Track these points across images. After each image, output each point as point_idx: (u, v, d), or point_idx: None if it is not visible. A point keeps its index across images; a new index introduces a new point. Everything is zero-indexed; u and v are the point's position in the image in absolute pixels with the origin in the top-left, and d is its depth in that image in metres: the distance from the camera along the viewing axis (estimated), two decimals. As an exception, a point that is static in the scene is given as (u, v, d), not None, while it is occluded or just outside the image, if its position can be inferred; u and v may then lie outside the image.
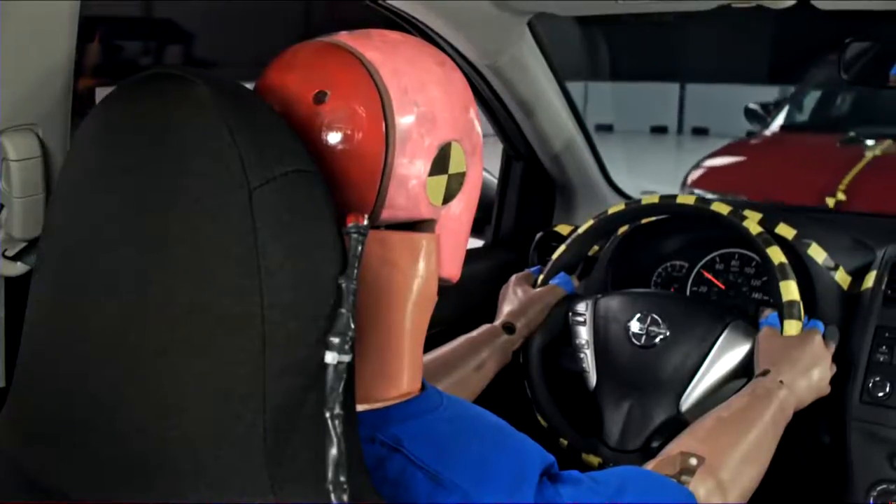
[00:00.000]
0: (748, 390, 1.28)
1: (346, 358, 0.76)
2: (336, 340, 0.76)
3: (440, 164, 0.92)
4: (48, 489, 0.75)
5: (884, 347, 1.40)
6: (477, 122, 0.99)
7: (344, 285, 0.77)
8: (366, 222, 0.80)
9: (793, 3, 1.23)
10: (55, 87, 0.94)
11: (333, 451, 0.75)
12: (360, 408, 0.88)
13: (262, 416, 0.72)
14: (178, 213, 0.74)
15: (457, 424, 0.93)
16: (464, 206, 0.98)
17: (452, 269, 1.00)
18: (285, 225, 0.76)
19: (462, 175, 0.95)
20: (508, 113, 1.81)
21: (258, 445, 0.72)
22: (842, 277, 1.47)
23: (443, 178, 0.93)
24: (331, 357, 0.75)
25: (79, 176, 0.80)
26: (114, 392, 0.73)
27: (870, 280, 1.46)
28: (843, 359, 1.40)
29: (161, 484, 0.71)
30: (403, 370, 0.93)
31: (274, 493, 0.72)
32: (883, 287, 1.44)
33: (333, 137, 0.87)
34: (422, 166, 0.90)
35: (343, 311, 0.77)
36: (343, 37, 0.92)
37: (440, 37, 1.48)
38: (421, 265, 0.92)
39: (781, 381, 1.28)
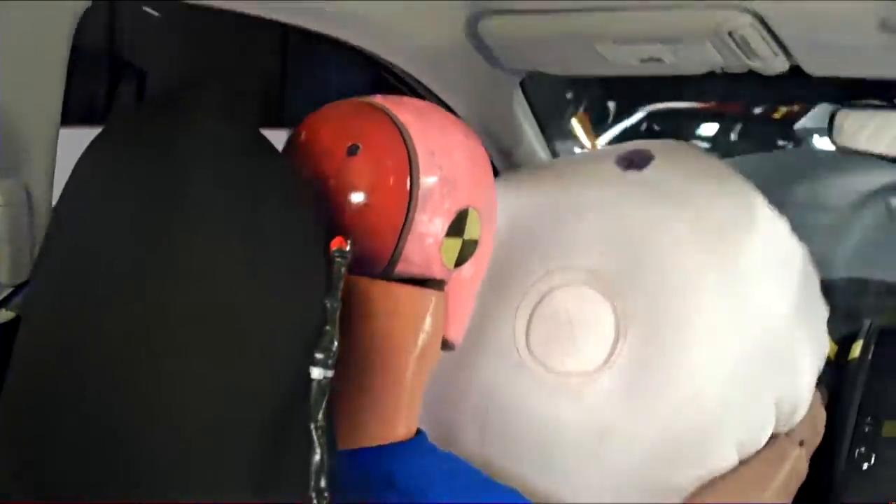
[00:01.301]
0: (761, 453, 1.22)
1: (330, 373, 0.80)
2: (321, 356, 0.80)
3: (456, 227, 0.98)
4: (41, 489, 0.75)
5: (869, 418, 1.40)
6: (494, 194, 1.06)
7: (329, 305, 0.81)
8: (348, 248, 0.84)
9: (785, 69, 1.23)
10: (43, 134, 0.94)
11: (316, 459, 0.78)
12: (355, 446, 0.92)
13: (249, 426, 0.75)
14: (179, 227, 0.76)
15: (448, 465, 0.96)
16: (473, 273, 1.04)
17: (457, 333, 1.05)
18: (278, 247, 0.80)
19: (475, 242, 1.02)
20: None
21: (245, 454, 0.75)
22: (829, 346, 1.47)
23: (457, 242, 0.99)
24: (317, 373, 0.79)
25: (84, 188, 0.82)
26: (107, 398, 0.74)
27: (856, 350, 1.45)
28: (828, 429, 1.39)
29: (148, 487, 0.73)
30: (400, 416, 0.96)
31: (257, 500, 0.75)
32: (870, 357, 1.44)
33: (361, 188, 0.93)
34: (439, 226, 0.97)
35: (328, 328, 0.81)
36: (378, 98, 0.99)
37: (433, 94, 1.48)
38: (428, 321, 0.96)
39: (802, 442, 1.25)
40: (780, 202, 1.21)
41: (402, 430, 0.96)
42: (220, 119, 0.83)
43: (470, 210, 0.99)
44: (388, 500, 0.89)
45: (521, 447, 1.17)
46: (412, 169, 0.94)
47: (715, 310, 1.13)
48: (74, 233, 0.81)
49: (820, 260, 1.27)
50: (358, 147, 0.94)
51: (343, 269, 0.84)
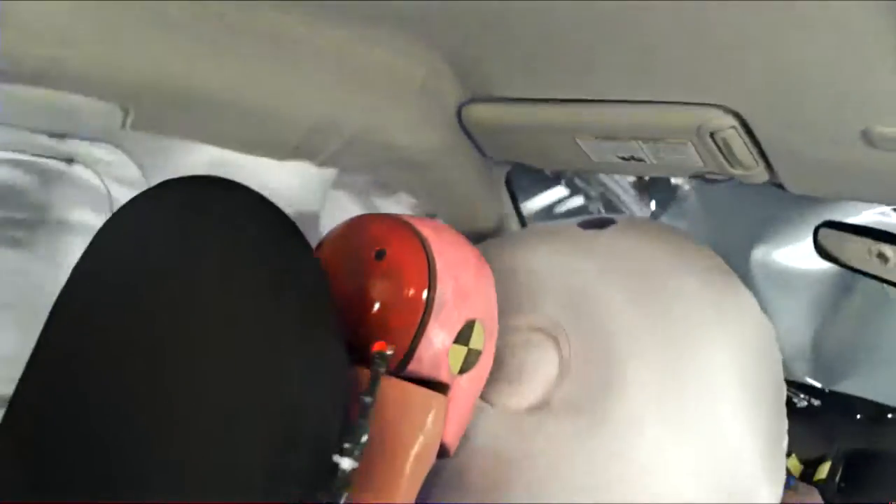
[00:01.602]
0: None
1: (356, 464, 0.86)
2: (349, 447, 0.86)
3: (464, 336, 1.08)
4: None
5: None
6: (496, 309, 1.15)
7: (367, 400, 0.89)
8: (389, 352, 0.93)
9: (765, 180, 1.22)
10: None
11: None
12: None
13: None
14: (210, 315, 0.81)
15: None
16: (472, 383, 1.12)
17: (453, 439, 1.12)
18: (305, 337, 0.86)
19: (479, 353, 1.11)
20: None
21: None
22: (793, 465, 1.44)
23: (463, 350, 1.08)
24: (346, 463, 0.85)
25: (125, 240, 0.88)
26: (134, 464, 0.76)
27: (823, 471, 1.43)
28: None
29: None
30: (400, 489, 1.02)
31: None
32: (837, 480, 1.42)
33: (385, 291, 1.04)
34: (449, 333, 1.06)
35: (363, 421, 0.88)
36: (404, 216, 1.10)
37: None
38: (429, 421, 1.03)
39: None
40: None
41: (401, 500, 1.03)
42: (245, 210, 0.90)
43: (476, 322, 1.10)
44: None
45: (468, 480, 1.20)
46: (431, 277, 1.05)
47: (650, 367, 1.14)
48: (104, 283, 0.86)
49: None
50: (384, 252, 1.06)
51: (381, 371, 0.91)
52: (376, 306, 1.04)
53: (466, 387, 1.11)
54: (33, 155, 0.99)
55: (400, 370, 1.05)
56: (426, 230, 1.09)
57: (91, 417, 0.78)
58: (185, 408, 0.78)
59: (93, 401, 0.79)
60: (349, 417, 0.87)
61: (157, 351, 0.79)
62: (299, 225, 1.13)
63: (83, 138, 1.02)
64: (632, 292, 1.20)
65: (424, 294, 1.04)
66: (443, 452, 1.11)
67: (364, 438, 0.86)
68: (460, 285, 1.08)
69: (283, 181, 1.16)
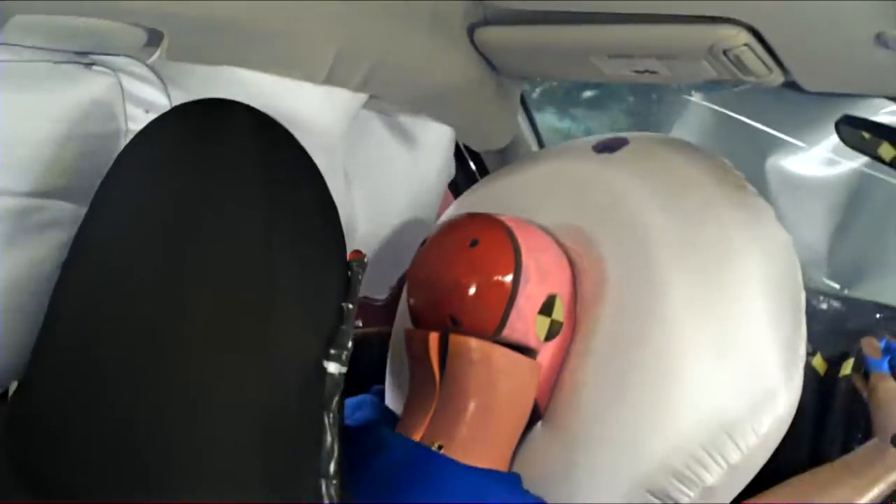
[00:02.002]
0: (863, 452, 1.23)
1: (344, 369, 0.89)
2: (335, 352, 0.89)
3: (547, 308, 1.23)
4: (51, 487, 0.79)
5: (859, 435, 1.39)
6: (571, 289, 1.29)
7: (348, 307, 0.93)
8: (365, 259, 0.99)
9: (780, 82, 1.23)
10: None
11: (327, 447, 0.86)
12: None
13: (262, 419, 0.81)
14: (202, 233, 0.84)
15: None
16: (558, 349, 1.27)
17: (544, 400, 1.26)
18: (300, 251, 0.89)
19: (560, 324, 1.26)
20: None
21: (256, 446, 0.80)
22: (819, 363, 1.46)
23: (547, 320, 1.24)
24: (333, 367, 0.88)
25: (121, 185, 0.89)
26: (127, 387, 0.79)
27: (847, 367, 1.44)
28: (816, 446, 1.38)
29: (160, 481, 0.77)
30: (489, 447, 1.20)
31: (269, 490, 0.81)
32: (861, 374, 1.43)
33: (480, 271, 1.21)
34: (535, 304, 1.22)
35: (344, 328, 0.91)
36: (493, 214, 1.28)
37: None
38: (527, 382, 1.22)
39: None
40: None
41: (485, 461, 1.17)
42: (252, 130, 0.92)
43: (557, 296, 1.25)
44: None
45: None
46: (517, 259, 1.21)
47: (690, 280, 1.21)
48: (106, 230, 0.87)
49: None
50: (477, 241, 1.23)
51: (360, 276, 0.96)
52: (472, 286, 1.20)
53: (553, 353, 1.26)
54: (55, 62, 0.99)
55: (496, 335, 1.21)
56: (509, 221, 1.26)
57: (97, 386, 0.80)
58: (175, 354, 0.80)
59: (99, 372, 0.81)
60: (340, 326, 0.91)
61: (164, 278, 0.82)
62: (326, 144, 1.21)
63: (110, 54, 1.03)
64: (664, 208, 1.27)
65: (512, 272, 1.20)
66: (535, 414, 1.25)
67: (348, 343, 0.90)
68: (541, 265, 1.24)
69: (313, 104, 1.19)
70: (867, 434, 1.36)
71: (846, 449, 1.37)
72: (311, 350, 0.87)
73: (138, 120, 1.05)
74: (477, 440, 1.19)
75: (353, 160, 1.36)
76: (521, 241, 1.23)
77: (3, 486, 0.80)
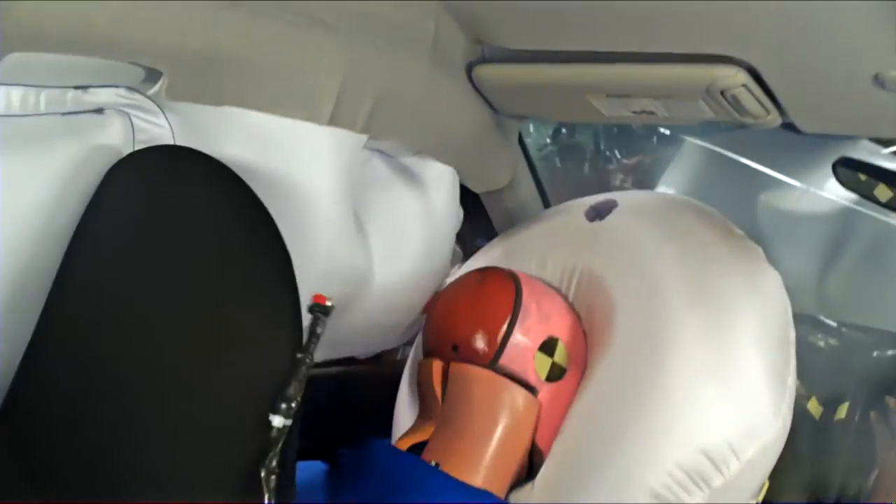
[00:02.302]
0: None
1: (289, 422, 0.88)
2: (283, 406, 0.88)
3: (548, 348, 1.27)
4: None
5: (857, 479, 1.38)
6: (584, 359, 1.32)
7: (299, 357, 0.92)
8: (329, 304, 0.99)
9: (778, 124, 1.23)
10: None
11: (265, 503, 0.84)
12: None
13: (204, 466, 0.82)
14: (158, 274, 0.85)
15: None
16: (561, 394, 1.28)
17: (546, 444, 1.26)
18: (250, 300, 0.90)
19: (563, 370, 1.28)
20: None
21: (197, 494, 0.80)
22: (814, 407, 1.45)
23: (548, 360, 1.27)
24: (277, 420, 0.87)
25: (92, 233, 0.90)
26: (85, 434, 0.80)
27: (842, 412, 1.44)
28: (816, 489, 1.37)
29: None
30: (480, 470, 1.22)
31: None
32: (856, 420, 1.43)
33: (482, 303, 1.29)
34: (534, 339, 1.27)
35: (293, 380, 0.89)
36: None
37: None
38: (518, 407, 1.24)
39: None
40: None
41: (482, 479, 1.21)
42: (205, 183, 0.94)
43: (559, 341, 1.28)
44: None
45: None
46: (518, 294, 1.29)
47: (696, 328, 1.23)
48: (90, 253, 0.89)
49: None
50: (484, 280, 1.33)
51: (322, 323, 0.96)
52: (474, 313, 1.28)
53: (554, 397, 1.28)
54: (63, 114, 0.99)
55: (494, 364, 1.25)
56: (519, 273, 1.35)
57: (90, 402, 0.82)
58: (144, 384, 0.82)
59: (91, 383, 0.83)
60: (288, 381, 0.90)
61: (120, 338, 0.83)
62: (334, 184, 1.20)
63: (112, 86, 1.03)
64: (672, 256, 1.31)
65: (511, 304, 1.27)
66: (538, 458, 1.27)
67: (297, 395, 0.89)
68: (542, 307, 1.30)
69: (319, 139, 1.17)
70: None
71: (844, 494, 1.37)
72: (256, 403, 0.87)
73: None
74: (472, 461, 1.22)
75: (361, 202, 1.36)
76: (524, 284, 1.31)
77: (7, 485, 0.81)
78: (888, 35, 0.95)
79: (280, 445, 0.85)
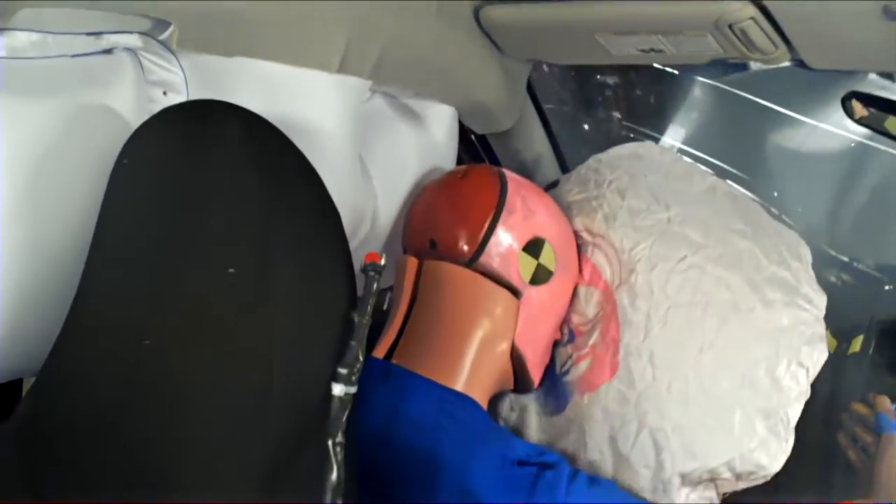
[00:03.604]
0: None
1: (353, 389, 0.81)
2: (344, 372, 0.80)
3: (532, 248, 1.21)
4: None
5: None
6: (576, 262, 1.28)
7: (356, 319, 0.84)
8: (383, 262, 0.89)
9: (786, 61, 1.22)
10: None
11: (333, 477, 0.77)
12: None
13: (263, 443, 0.76)
14: (199, 240, 0.81)
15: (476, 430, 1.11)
16: (548, 304, 1.23)
17: (529, 352, 1.22)
18: (299, 256, 0.84)
19: (550, 272, 1.23)
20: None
21: (257, 471, 0.75)
22: (828, 340, 1.46)
23: (533, 262, 1.21)
24: (338, 389, 0.80)
25: (122, 204, 0.85)
26: (129, 411, 0.75)
27: (857, 344, 1.45)
28: (826, 423, 1.38)
29: (157, 494, 0.73)
30: (459, 371, 1.15)
31: None
32: (870, 352, 1.43)
33: (463, 195, 1.23)
34: (518, 237, 1.20)
35: (353, 343, 0.82)
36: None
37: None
38: (497, 310, 1.18)
39: None
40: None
41: (459, 385, 1.14)
42: (245, 134, 0.88)
43: (546, 242, 1.22)
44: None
45: None
46: (502, 187, 1.22)
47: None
48: (108, 251, 0.83)
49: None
50: (467, 174, 1.26)
51: (375, 285, 0.87)
52: (452, 208, 1.22)
53: (539, 299, 1.22)
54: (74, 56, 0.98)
55: (473, 262, 1.19)
56: (505, 170, 1.28)
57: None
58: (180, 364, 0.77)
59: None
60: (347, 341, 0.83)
61: (167, 288, 0.79)
62: (343, 132, 1.20)
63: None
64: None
65: (495, 200, 1.20)
66: (523, 374, 1.22)
67: (358, 361, 0.81)
68: (528, 204, 1.23)
69: (328, 88, 1.17)
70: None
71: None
72: (316, 370, 0.81)
73: (158, 101, 1.05)
74: (447, 366, 1.16)
75: (364, 141, 1.35)
76: (509, 180, 1.25)
77: (11, 485, 0.77)
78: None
79: (346, 414, 0.80)
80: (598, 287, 1.24)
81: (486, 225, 1.18)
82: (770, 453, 1.17)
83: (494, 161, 1.76)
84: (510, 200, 1.21)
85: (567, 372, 1.23)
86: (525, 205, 1.22)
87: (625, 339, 1.20)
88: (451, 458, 1.02)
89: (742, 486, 1.18)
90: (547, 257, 1.22)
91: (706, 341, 1.18)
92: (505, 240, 1.19)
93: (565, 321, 1.27)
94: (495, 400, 1.29)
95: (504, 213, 1.19)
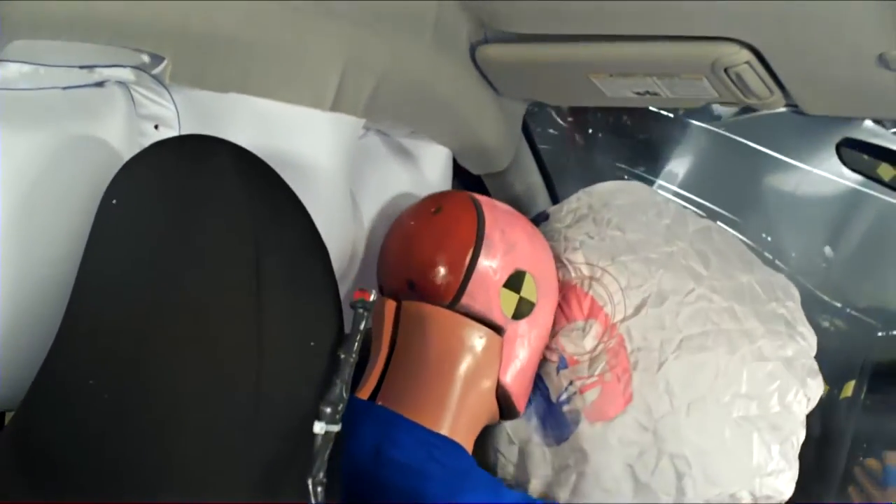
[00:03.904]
0: None
1: (335, 428, 0.80)
2: (328, 410, 0.80)
3: (514, 282, 1.18)
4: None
5: (861, 457, 1.39)
6: (556, 286, 1.25)
7: (342, 357, 0.83)
8: (372, 298, 0.88)
9: (782, 105, 1.23)
10: None
11: None
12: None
13: (248, 475, 0.76)
14: (190, 267, 0.80)
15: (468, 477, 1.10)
16: (532, 337, 1.20)
17: (515, 387, 1.19)
18: (288, 286, 0.84)
19: (532, 304, 1.20)
20: None
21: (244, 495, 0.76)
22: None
23: (514, 296, 1.18)
24: (318, 427, 0.79)
25: (112, 228, 0.85)
26: (118, 426, 0.75)
27: (848, 389, 1.45)
28: (820, 466, 1.38)
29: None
30: (444, 414, 1.13)
31: None
32: (862, 397, 1.43)
33: (440, 234, 1.18)
34: (499, 274, 1.17)
35: (338, 381, 0.82)
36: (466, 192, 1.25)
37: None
38: (479, 347, 1.15)
39: None
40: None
41: (445, 426, 1.12)
42: (236, 169, 0.87)
43: (527, 274, 1.19)
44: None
45: None
46: (480, 224, 1.18)
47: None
48: (107, 252, 0.84)
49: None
50: (441, 209, 1.21)
51: (364, 322, 0.86)
52: (432, 248, 1.17)
53: (523, 333, 1.20)
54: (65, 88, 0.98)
55: (454, 304, 1.16)
56: (481, 198, 1.23)
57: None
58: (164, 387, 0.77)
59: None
60: (331, 378, 0.83)
61: (142, 338, 0.78)
62: (336, 170, 1.20)
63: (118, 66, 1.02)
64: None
65: (473, 238, 1.16)
66: (509, 406, 1.21)
67: (342, 397, 0.81)
68: (507, 237, 1.19)
69: (322, 126, 1.17)
70: (870, 454, 1.37)
71: (848, 470, 1.38)
72: (301, 406, 0.81)
73: (150, 136, 1.05)
74: (430, 408, 1.14)
75: (356, 178, 1.35)
76: (486, 212, 1.20)
77: (6, 490, 0.77)
78: (893, 15, 0.95)
79: (327, 453, 0.79)
80: (598, 319, 1.24)
81: (466, 266, 1.16)
82: (785, 478, 1.19)
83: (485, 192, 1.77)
84: (489, 236, 1.18)
85: (568, 401, 1.22)
86: (504, 238, 1.19)
87: (638, 370, 1.20)
88: (438, 502, 1.01)
89: None
90: (528, 289, 1.20)
91: (720, 368, 1.19)
92: (486, 279, 1.17)
93: (556, 349, 1.26)
94: (488, 432, 1.27)
95: (483, 251, 1.17)
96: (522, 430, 1.27)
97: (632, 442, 1.18)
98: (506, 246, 1.18)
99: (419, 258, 1.18)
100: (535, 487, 1.23)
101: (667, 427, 1.17)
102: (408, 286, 1.19)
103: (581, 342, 1.24)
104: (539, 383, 1.25)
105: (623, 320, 1.23)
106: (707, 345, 1.20)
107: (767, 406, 1.19)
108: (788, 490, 1.19)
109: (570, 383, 1.23)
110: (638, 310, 1.23)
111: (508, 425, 1.26)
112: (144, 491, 0.74)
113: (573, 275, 1.28)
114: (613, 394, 1.19)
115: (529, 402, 1.24)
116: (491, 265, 1.17)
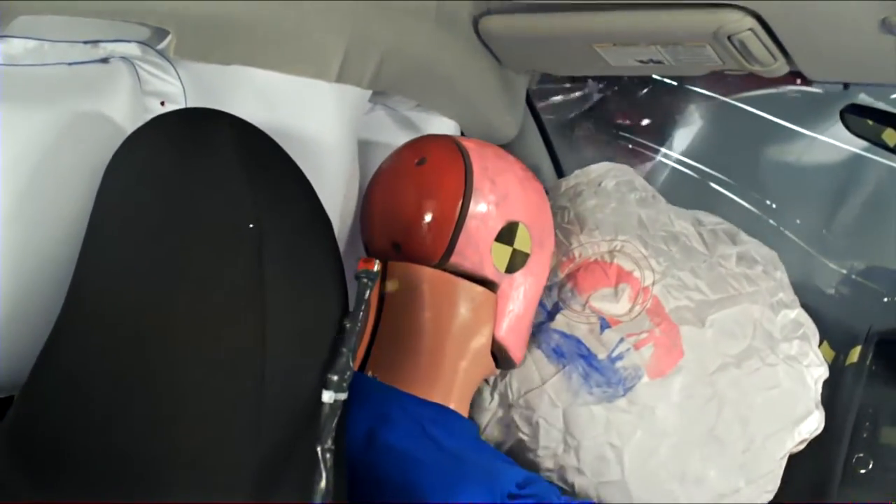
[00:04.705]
0: None
1: (342, 396, 0.81)
2: (335, 378, 0.81)
3: (506, 235, 1.13)
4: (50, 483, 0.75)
5: (867, 424, 1.39)
6: (551, 231, 1.22)
7: (348, 326, 0.84)
8: (376, 268, 0.88)
9: (785, 72, 1.23)
10: None
11: (322, 483, 0.78)
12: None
13: (255, 446, 0.76)
14: (191, 246, 0.79)
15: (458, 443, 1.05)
16: (527, 287, 1.17)
17: (511, 340, 1.16)
18: (291, 265, 0.83)
19: (526, 255, 1.15)
20: None
21: (247, 475, 0.75)
22: (826, 351, 1.46)
23: (507, 249, 1.13)
24: (328, 396, 0.80)
25: (113, 207, 0.85)
26: (121, 413, 0.75)
27: (854, 355, 1.45)
28: (826, 434, 1.38)
29: (151, 496, 0.73)
30: (438, 382, 1.09)
31: None
32: (867, 363, 1.44)
33: (425, 189, 1.11)
34: (490, 228, 1.12)
35: (344, 350, 0.82)
36: (451, 135, 1.24)
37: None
38: (474, 311, 1.11)
39: None
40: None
41: (439, 393, 1.09)
42: (237, 143, 0.86)
43: (519, 224, 1.14)
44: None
45: None
46: (468, 175, 1.11)
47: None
48: (109, 232, 0.83)
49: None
50: (425, 160, 1.14)
51: (368, 292, 0.86)
52: (417, 206, 1.11)
53: (517, 285, 1.16)
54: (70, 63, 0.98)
55: (444, 263, 1.11)
56: (467, 143, 1.16)
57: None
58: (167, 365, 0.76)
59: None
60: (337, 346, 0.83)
61: (155, 289, 0.78)
62: (342, 141, 1.20)
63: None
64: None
65: (461, 190, 1.11)
66: (505, 358, 1.17)
67: (348, 367, 0.82)
68: (497, 187, 1.13)
69: (327, 98, 1.18)
70: (876, 422, 1.37)
71: (855, 438, 1.39)
72: (307, 377, 0.81)
73: (155, 112, 1.05)
74: (423, 374, 1.09)
75: (362, 152, 1.35)
76: (474, 160, 1.13)
77: (4, 484, 0.77)
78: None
79: (336, 421, 0.80)
80: (629, 283, 1.24)
81: (454, 223, 1.10)
82: (818, 417, 1.27)
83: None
84: (478, 188, 1.11)
85: (621, 357, 1.22)
86: (494, 188, 1.13)
87: (683, 329, 1.21)
88: (435, 495, 0.98)
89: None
90: (522, 240, 1.14)
91: (755, 318, 1.24)
92: (476, 235, 1.11)
93: (591, 312, 1.24)
94: (526, 401, 1.23)
95: (472, 204, 1.10)
96: (564, 393, 1.25)
97: (693, 395, 1.19)
98: (496, 197, 1.12)
99: (402, 216, 1.12)
100: (589, 448, 1.19)
101: (725, 377, 1.20)
102: (393, 248, 1.14)
103: (616, 304, 1.24)
104: (569, 345, 1.23)
105: (654, 283, 1.24)
106: (738, 299, 1.25)
107: (807, 347, 1.26)
108: (821, 426, 1.25)
109: (621, 340, 1.22)
110: (665, 274, 1.25)
111: (549, 389, 1.23)
112: (151, 476, 0.74)
113: (591, 251, 1.29)
114: (667, 348, 1.20)
115: (563, 365, 1.22)
116: (481, 220, 1.11)
